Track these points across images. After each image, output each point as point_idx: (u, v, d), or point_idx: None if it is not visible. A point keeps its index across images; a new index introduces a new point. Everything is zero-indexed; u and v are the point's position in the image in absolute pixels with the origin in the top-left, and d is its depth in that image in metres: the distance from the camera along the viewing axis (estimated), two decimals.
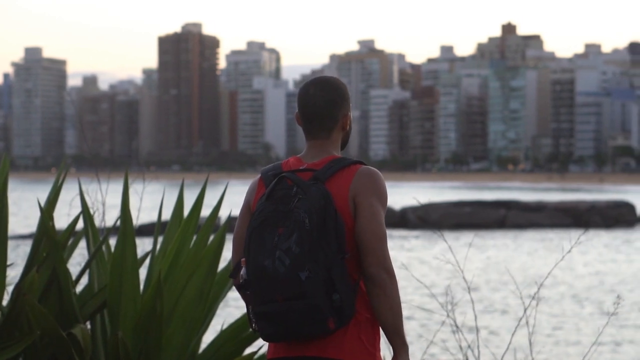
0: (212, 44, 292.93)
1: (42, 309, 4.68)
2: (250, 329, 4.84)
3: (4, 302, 5.06)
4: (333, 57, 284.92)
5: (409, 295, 21.09)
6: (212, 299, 4.92)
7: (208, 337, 5.48)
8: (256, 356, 4.92)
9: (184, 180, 5.28)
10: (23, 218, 50.37)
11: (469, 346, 5.63)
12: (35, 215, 5.31)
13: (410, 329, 16.69)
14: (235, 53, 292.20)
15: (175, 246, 4.88)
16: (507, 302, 21.61)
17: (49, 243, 4.89)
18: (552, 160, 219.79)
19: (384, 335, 3.25)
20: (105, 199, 5.60)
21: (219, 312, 5.30)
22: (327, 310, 3.11)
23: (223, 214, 5.32)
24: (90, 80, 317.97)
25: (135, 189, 5.49)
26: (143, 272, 5.08)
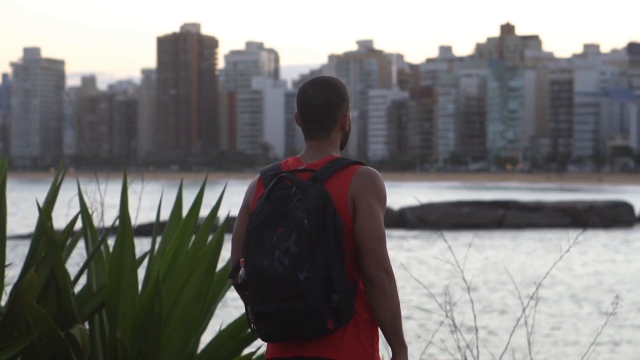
0: (211, 44, 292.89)
1: (40, 309, 4.68)
2: (249, 329, 4.84)
3: (3, 303, 5.06)
4: (332, 57, 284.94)
5: (408, 295, 21.09)
6: (210, 299, 4.92)
7: (206, 338, 5.48)
8: (255, 356, 4.92)
9: (182, 180, 5.28)
10: (21, 218, 50.37)
11: (467, 346, 5.63)
12: (34, 215, 5.32)
13: (408, 329, 16.69)
14: (233, 53, 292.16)
15: (173, 246, 4.88)
16: (505, 302, 21.62)
17: (48, 243, 4.89)
18: (551, 160, 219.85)
19: (383, 336, 3.25)
20: (104, 199, 5.60)
21: (217, 312, 5.30)
22: (325, 310, 3.11)
23: (222, 214, 5.31)
24: (88, 81, 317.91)
25: (134, 189, 5.48)
26: (142, 272, 5.08)
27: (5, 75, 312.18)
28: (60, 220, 5.51)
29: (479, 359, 5.50)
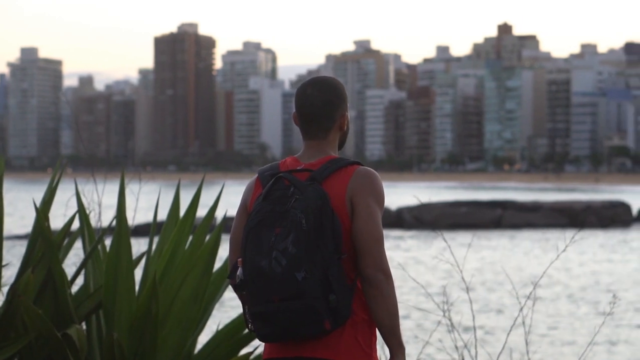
0: (208, 44, 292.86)
1: (37, 310, 4.67)
2: (247, 329, 4.84)
3: (0, 303, 5.05)
4: (329, 57, 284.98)
5: (405, 295, 21.09)
6: (207, 300, 4.91)
7: (204, 338, 5.48)
8: (252, 356, 4.91)
9: (180, 180, 5.27)
10: (19, 218, 50.33)
11: (465, 346, 5.63)
12: (31, 215, 5.30)
13: (406, 329, 16.70)
14: (231, 53, 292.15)
15: (170, 247, 4.87)
16: (502, 302, 21.62)
17: (45, 243, 4.89)
18: (548, 160, 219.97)
19: (381, 336, 3.25)
20: (101, 200, 5.59)
21: (215, 312, 5.30)
22: (323, 310, 3.11)
23: (219, 214, 5.31)
24: (86, 81, 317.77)
25: (131, 189, 5.48)
26: (139, 272, 5.07)
27: (2, 76, 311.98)
28: (57, 220, 5.50)
29: (477, 359, 5.50)
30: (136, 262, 5.05)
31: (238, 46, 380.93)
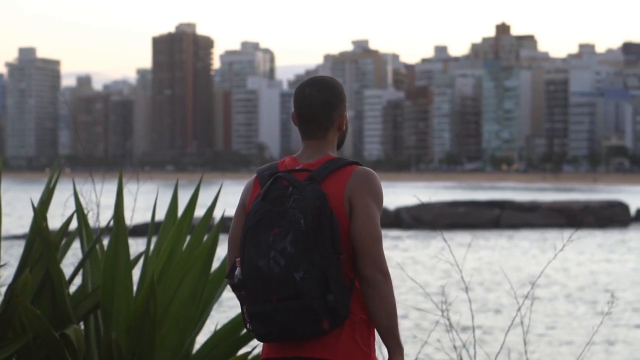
0: (206, 44, 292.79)
1: (34, 310, 4.67)
2: (245, 329, 4.83)
3: None
4: (327, 57, 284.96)
5: (403, 295, 21.10)
6: (205, 300, 4.91)
7: (202, 338, 5.47)
8: (250, 356, 4.91)
9: (178, 180, 5.27)
10: (17, 218, 50.30)
11: (463, 345, 5.63)
12: (29, 215, 5.29)
13: (404, 328, 16.70)
14: (229, 53, 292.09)
15: (168, 247, 4.87)
16: (500, 302, 21.63)
17: (42, 243, 4.88)
18: (546, 160, 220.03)
19: (379, 336, 3.25)
20: (99, 200, 5.59)
21: (213, 313, 5.29)
22: (321, 311, 3.10)
23: (217, 214, 5.31)
24: (84, 81, 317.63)
25: (129, 189, 5.47)
26: (138, 272, 5.07)
27: (0, 76, 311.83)
28: (56, 220, 5.50)
29: (475, 358, 5.50)
30: (134, 262, 5.04)
31: (236, 46, 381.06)
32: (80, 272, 5.09)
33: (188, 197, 5.00)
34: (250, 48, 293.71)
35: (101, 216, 5.69)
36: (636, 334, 17.98)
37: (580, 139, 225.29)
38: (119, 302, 4.79)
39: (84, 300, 4.93)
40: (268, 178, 3.27)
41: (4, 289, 5.04)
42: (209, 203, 4.96)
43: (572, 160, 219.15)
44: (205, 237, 4.87)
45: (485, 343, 15.54)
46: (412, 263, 30.94)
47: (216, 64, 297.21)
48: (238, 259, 3.21)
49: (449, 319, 5.54)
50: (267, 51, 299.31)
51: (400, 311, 17.15)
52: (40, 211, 4.96)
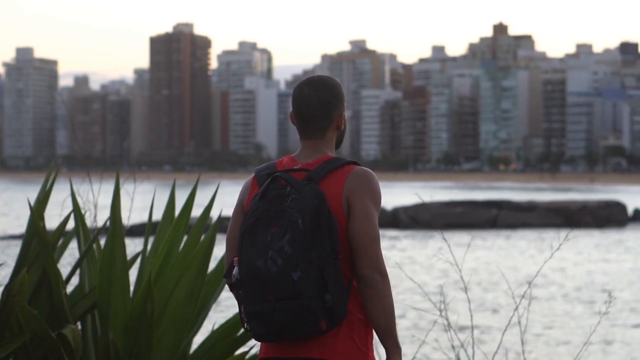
0: (204, 44, 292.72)
1: (31, 310, 4.66)
2: (243, 329, 4.83)
3: None
4: (325, 57, 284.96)
5: (400, 295, 21.10)
6: (203, 300, 4.90)
7: (200, 338, 5.47)
8: (248, 356, 4.90)
9: (175, 180, 5.26)
10: (14, 218, 50.28)
11: (461, 345, 5.63)
12: (26, 215, 5.28)
13: (401, 328, 16.70)
14: (226, 53, 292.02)
15: (165, 247, 4.86)
16: (498, 302, 21.64)
17: (40, 243, 4.87)
18: (544, 160, 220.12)
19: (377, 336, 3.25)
20: (97, 200, 5.58)
21: (211, 313, 5.29)
22: (319, 310, 3.10)
23: (214, 214, 5.30)
24: (81, 81, 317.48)
25: (126, 189, 5.47)
26: (135, 272, 5.06)
27: None
28: (53, 220, 5.49)
29: (474, 358, 5.50)
30: (131, 262, 5.04)
31: (233, 46, 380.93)
32: (78, 272, 5.09)
33: (185, 197, 5.00)
34: (247, 48, 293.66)
35: (99, 216, 5.69)
36: (633, 333, 17.99)
37: (578, 139, 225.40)
38: (116, 302, 4.79)
39: (81, 300, 4.93)
40: (266, 177, 3.27)
41: (1, 289, 5.03)
42: (206, 203, 4.96)
43: (569, 160, 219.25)
44: (202, 237, 4.86)
45: (483, 343, 15.54)
46: (409, 263, 30.95)
47: (214, 63, 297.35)
48: (236, 258, 3.21)
49: (447, 319, 5.54)
50: (265, 51, 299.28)
51: (398, 311, 17.14)
52: (38, 211, 4.95)
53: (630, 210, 55.14)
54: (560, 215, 50.74)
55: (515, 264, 31.51)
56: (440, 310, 5.58)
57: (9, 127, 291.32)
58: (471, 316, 5.64)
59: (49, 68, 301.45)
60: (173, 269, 4.78)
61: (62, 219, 5.13)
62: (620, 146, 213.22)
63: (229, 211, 3.72)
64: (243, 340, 4.92)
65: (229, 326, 4.92)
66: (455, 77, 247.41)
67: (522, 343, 5.77)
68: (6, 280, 5.14)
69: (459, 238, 38.45)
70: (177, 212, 5.02)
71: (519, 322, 5.65)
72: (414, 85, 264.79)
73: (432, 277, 26.42)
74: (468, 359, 5.66)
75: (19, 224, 42.62)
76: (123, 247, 4.81)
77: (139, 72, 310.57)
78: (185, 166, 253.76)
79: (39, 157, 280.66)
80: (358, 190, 3.21)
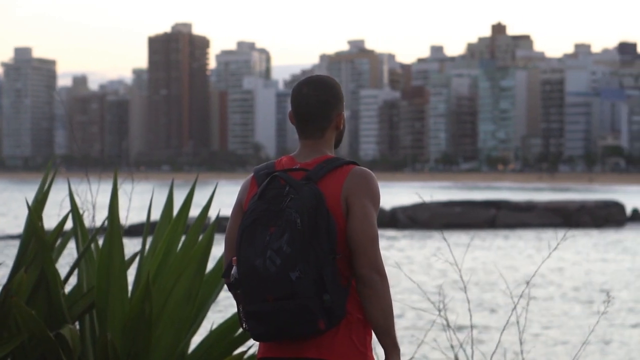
0: (202, 44, 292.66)
1: (29, 310, 4.66)
2: (241, 329, 4.83)
3: None
4: (323, 57, 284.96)
5: (399, 295, 21.10)
6: (201, 300, 4.90)
7: (198, 338, 5.46)
8: (246, 356, 4.90)
9: (173, 180, 5.26)
10: (12, 218, 50.28)
11: (460, 345, 5.63)
12: (25, 215, 5.27)
13: (400, 328, 16.69)
14: (225, 53, 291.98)
15: (163, 246, 4.86)
16: (496, 302, 21.64)
17: (38, 243, 4.87)
18: (542, 160, 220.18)
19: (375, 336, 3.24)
20: (96, 199, 5.58)
21: (210, 313, 5.28)
22: (317, 310, 3.10)
23: (212, 214, 5.31)
24: (80, 81, 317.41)
25: (124, 189, 5.47)
26: (133, 272, 5.06)
27: None
28: (51, 220, 5.49)
29: (472, 358, 5.50)
30: (129, 262, 5.03)
31: (232, 46, 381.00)
32: (76, 272, 5.08)
33: (183, 197, 4.99)
34: (246, 48, 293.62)
35: (97, 216, 5.68)
36: (632, 333, 18.00)
37: (576, 139, 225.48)
38: (114, 302, 4.78)
39: (79, 300, 4.92)
40: (265, 177, 3.26)
41: None
42: (204, 203, 4.96)
43: (568, 160, 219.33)
44: (201, 237, 4.86)
45: (481, 342, 15.54)
46: (408, 263, 30.95)
47: (212, 63, 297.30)
48: (234, 258, 3.21)
49: (446, 319, 5.54)
50: (263, 51, 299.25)
51: (396, 311, 17.15)
52: (36, 211, 4.95)
53: (628, 210, 55.16)
54: (559, 215, 50.75)
55: (514, 264, 31.52)
56: (439, 310, 5.58)
57: (8, 127, 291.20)
58: (470, 316, 5.65)
59: (47, 68, 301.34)
60: (171, 269, 4.78)
61: (60, 219, 5.13)
62: (619, 146, 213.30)
63: (227, 211, 3.72)
64: (241, 340, 4.92)
65: (228, 326, 4.91)
66: (454, 77, 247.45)
67: (521, 343, 5.77)
68: (4, 280, 5.14)
69: (457, 238, 38.44)
70: (175, 212, 5.02)
71: (518, 322, 5.65)
72: (413, 85, 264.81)
73: (430, 277, 26.42)
74: (467, 359, 5.66)
75: (17, 224, 42.61)
76: (121, 247, 4.81)
77: (137, 72, 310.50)
78: (183, 166, 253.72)
79: (37, 157, 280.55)
80: (357, 190, 3.21)
